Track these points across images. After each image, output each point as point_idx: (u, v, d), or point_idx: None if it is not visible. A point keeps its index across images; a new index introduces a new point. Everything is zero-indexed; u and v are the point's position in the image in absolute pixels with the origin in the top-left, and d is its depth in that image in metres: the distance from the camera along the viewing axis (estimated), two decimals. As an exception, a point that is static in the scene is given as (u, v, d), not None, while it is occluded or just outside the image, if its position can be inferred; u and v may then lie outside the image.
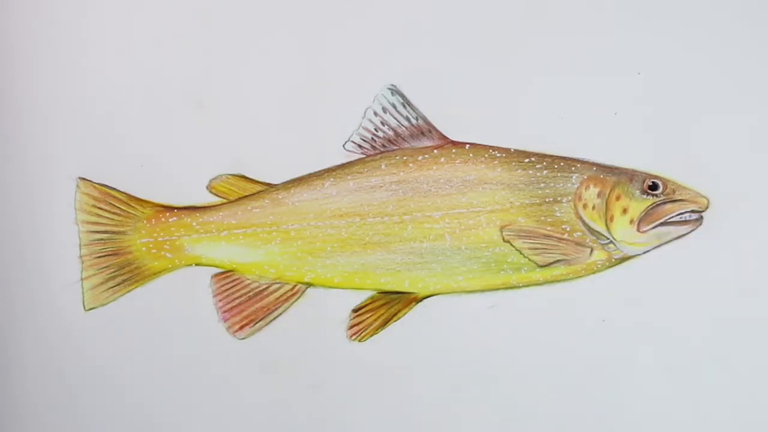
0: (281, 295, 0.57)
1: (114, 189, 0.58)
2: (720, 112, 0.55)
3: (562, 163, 0.55)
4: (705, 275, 0.55)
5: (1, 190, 0.60)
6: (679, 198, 0.54)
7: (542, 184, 0.55)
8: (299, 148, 0.58)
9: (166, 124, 0.59)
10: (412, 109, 0.57)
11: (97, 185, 0.58)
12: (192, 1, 0.59)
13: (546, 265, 0.55)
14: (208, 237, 0.57)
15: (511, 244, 0.55)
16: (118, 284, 0.58)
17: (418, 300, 0.56)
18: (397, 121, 0.57)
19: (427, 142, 0.57)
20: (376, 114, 0.57)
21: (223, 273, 0.58)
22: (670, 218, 0.54)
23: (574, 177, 0.55)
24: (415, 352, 0.56)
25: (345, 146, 0.57)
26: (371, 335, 0.56)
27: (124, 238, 0.58)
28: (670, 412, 0.55)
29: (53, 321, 0.59)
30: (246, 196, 0.57)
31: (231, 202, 0.58)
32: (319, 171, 0.57)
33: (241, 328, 0.57)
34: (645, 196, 0.54)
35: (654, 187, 0.54)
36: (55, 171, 0.59)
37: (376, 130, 0.57)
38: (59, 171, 0.59)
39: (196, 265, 0.58)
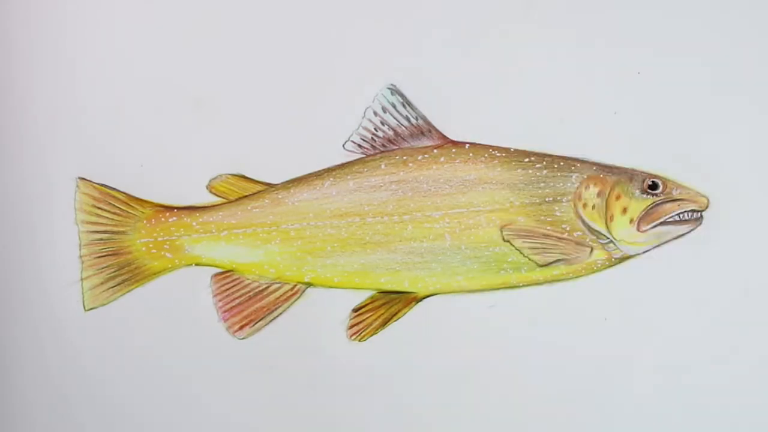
0: (281, 295, 0.57)
1: (114, 189, 0.58)
2: (720, 112, 0.55)
3: (562, 163, 0.55)
4: (705, 275, 0.55)
5: (1, 190, 0.60)
6: (679, 197, 0.54)
7: (542, 184, 0.55)
8: (299, 148, 0.58)
9: (166, 123, 0.59)
10: (412, 108, 0.57)
11: (97, 185, 0.58)
12: (192, 1, 0.59)
13: (546, 265, 0.55)
14: (208, 237, 0.57)
15: (511, 244, 0.55)
16: (118, 284, 0.58)
17: (418, 300, 0.56)
18: (397, 120, 0.57)
19: (427, 142, 0.57)
20: (376, 114, 0.57)
21: (223, 273, 0.57)
22: (669, 217, 0.54)
23: (574, 176, 0.55)
24: (415, 352, 0.56)
25: (345, 146, 0.57)
26: (371, 335, 0.56)
27: (124, 238, 0.58)
28: (669, 412, 0.55)
29: (53, 321, 0.59)
30: (246, 196, 0.57)
31: (231, 202, 0.58)
32: (319, 171, 0.57)
33: (241, 328, 0.57)
34: (645, 196, 0.54)
35: (654, 186, 0.54)
36: (55, 171, 0.59)
37: (376, 129, 0.57)
38: (59, 171, 0.59)
39: (196, 265, 0.58)
